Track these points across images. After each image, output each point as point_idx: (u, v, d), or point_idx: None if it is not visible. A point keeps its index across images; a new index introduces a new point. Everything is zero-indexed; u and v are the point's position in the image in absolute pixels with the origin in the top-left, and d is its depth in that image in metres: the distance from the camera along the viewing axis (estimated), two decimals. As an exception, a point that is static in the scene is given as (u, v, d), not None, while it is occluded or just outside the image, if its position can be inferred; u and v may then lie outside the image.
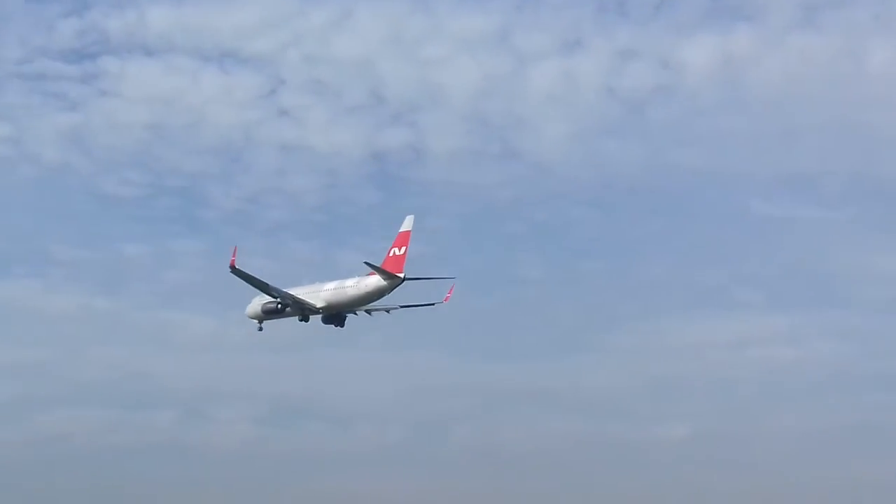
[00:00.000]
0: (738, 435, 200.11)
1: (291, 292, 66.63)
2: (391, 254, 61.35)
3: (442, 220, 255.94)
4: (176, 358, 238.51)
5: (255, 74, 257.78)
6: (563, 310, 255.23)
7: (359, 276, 61.12)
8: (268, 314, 68.66)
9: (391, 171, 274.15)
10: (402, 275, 57.77)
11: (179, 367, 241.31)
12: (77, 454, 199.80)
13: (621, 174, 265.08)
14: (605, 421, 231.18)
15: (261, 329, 71.72)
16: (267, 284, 66.56)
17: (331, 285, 65.98)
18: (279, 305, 67.33)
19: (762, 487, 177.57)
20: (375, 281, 60.06)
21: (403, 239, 60.02)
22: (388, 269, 59.27)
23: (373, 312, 66.36)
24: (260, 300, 68.15)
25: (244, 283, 63.85)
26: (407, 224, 62.24)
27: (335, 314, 66.73)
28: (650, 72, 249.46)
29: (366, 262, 59.38)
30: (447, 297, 64.95)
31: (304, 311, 66.87)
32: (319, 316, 67.19)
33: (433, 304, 71.02)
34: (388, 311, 67.36)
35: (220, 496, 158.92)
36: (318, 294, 66.96)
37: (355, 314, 66.54)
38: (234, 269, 65.69)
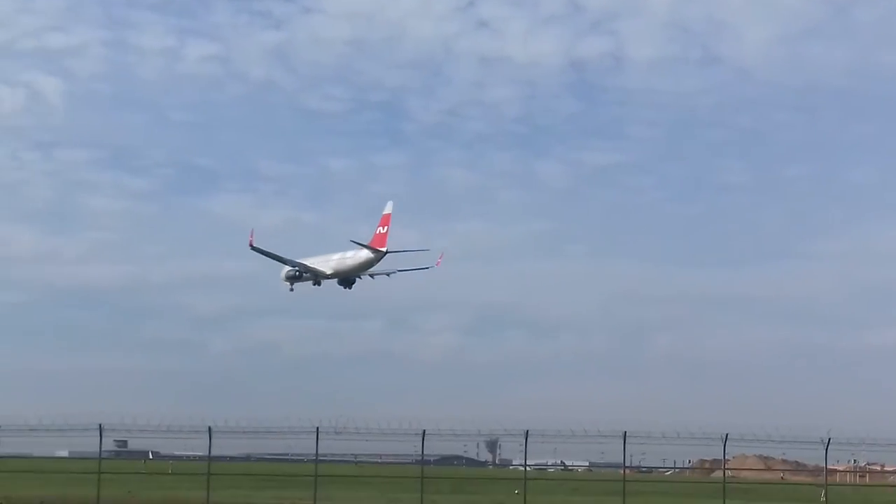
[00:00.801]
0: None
1: (304, 262, 77.59)
2: (377, 232, 73.29)
3: (642, 129, 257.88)
4: None
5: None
6: (767, 216, 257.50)
7: (354, 250, 73.71)
8: (290, 279, 78.91)
9: (590, 80, 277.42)
10: (384, 249, 71.11)
11: (384, 278, 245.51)
12: (287, 361, 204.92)
13: (826, 77, 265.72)
14: (810, 328, 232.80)
15: (292, 290, 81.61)
16: (282, 258, 77.25)
17: (335, 256, 76.68)
18: (297, 272, 77.61)
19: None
20: (366, 254, 72.46)
21: (386, 220, 72.76)
22: (375, 245, 71.92)
23: (375, 276, 76.89)
24: (289, 268, 79.94)
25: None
26: (388, 208, 73.74)
27: (344, 279, 77.38)
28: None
29: (352, 241, 73.84)
30: (438, 262, 73.34)
31: (316, 276, 77.87)
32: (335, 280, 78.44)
33: (427, 268, 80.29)
34: (388, 275, 77.61)
35: (424, 404, 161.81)
36: (327, 263, 77.39)
37: (360, 278, 76.92)
38: (253, 247, 75.43)
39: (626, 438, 39.74)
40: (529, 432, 39.64)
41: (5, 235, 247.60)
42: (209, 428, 39.65)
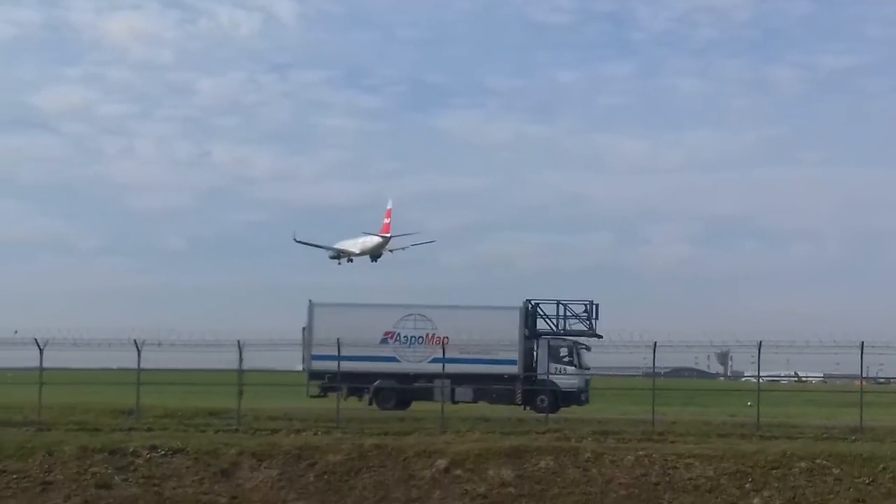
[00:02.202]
0: None
1: (338, 246, 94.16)
2: (384, 222, 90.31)
3: (881, 29, 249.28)
4: (610, 181, 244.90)
5: None
6: None
7: (369, 237, 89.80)
8: (332, 258, 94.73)
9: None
10: (389, 235, 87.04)
11: (613, 190, 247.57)
12: (518, 276, 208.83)
13: None
14: None
15: (339, 263, 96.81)
16: (322, 245, 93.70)
17: (360, 240, 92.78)
18: (335, 254, 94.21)
19: None
20: (377, 239, 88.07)
21: (389, 213, 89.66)
22: (383, 232, 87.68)
23: (394, 251, 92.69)
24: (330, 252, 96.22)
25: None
26: (389, 204, 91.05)
27: (371, 256, 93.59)
28: None
29: (364, 231, 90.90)
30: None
31: (348, 256, 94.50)
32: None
33: (433, 241, 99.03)
34: (403, 249, 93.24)
35: (654, 316, 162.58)
36: (354, 245, 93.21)
37: (381, 255, 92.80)
38: (296, 240, 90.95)
39: (864, 348, 38.83)
40: (762, 343, 39.16)
41: (245, 157, 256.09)
42: (443, 339, 40.64)
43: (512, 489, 31.84)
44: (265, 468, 32.95)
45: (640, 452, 33.43)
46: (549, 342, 47.82)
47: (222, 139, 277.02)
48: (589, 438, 35.91)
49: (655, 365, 42.27)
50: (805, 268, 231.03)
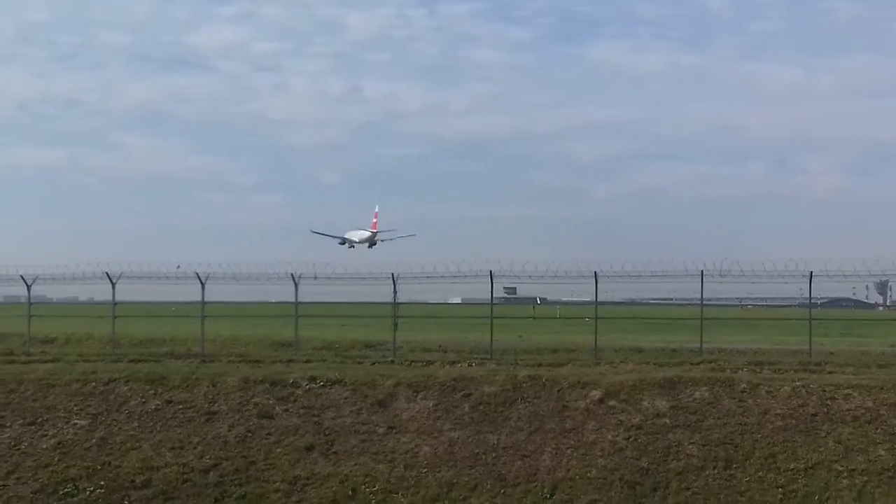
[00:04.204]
0: None
1: (345, 236, 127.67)
2: (373, 221, 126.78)
3: None
4: (763, 110, 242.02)
5: None
6: None
7: (364, 230, 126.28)
8: (341, 244, 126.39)
9: None
10: (376, 231, 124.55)
11: (767, 119, 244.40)
12: (671, 206, 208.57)
13: None
14: None
15: (347, 247, 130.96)
16: (333, 235, 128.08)
17: (359, 233, 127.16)
18: (343, 241, 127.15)
19: None
20: (369, 232, 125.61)
21: (376, 215, 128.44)
22: (373, 228, 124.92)
23: (384, 241, 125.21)
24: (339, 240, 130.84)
25: None
26: (376, 209, 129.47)
27: (368, 244, 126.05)
28: None
29: (357, 227, 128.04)
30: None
31: (350, 243, 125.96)
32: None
33: (413, 235, 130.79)
34: (392, 239, 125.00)
35: (811, 245, 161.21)
36: (355, 235, 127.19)
37: (375, 243, 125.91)
38: (312, 231, 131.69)
39: None
40: (922, 272, 38.25)
41: (396, 92, 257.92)
42: (595, 273, 40.43)
43: (666, 420, 31.83)
44: (421, 399, 33.49)
45: (797, 383, 33.11)
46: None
47: (373, 74, 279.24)
48: (744, 369, 35.66)
49: (812, 295, 41.61)
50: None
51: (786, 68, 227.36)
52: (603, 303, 44.87)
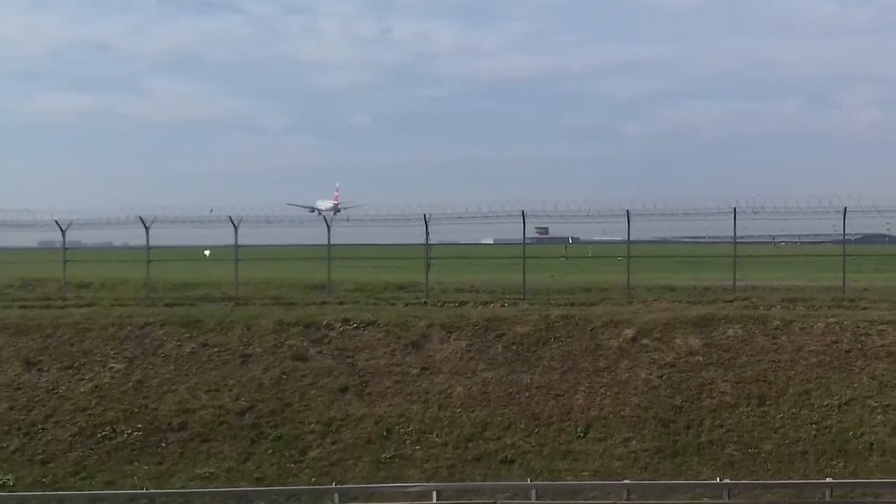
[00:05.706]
0: None
1: (313, 205, 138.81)
2: (335, 194, 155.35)
3: None
4: (799, 45, 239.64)
5: None
6: None
7: (327, 201, 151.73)
8: (310, 211, 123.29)
9: None
10: (338, 203, 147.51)
11: (803, 55, 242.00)
12: (704, 144, 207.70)
13: None
14: None
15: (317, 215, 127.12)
16: (305, 205, 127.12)
17: (324, 202, 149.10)
18: (312, 209, 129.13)
19: None
20: (332, 203, 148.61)
21: (337, 190, 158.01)
22: (334, 200, 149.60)
23: (346, 208, 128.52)
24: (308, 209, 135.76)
25: None
26: (337, 184, 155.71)
27: (333, 212, 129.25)
28: None
29: (319, 200, 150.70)
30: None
31: (318, 211, 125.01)
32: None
33: (365, 204, 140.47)
34: (353, 207, 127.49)
35: (845, 181, 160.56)
36: (323, 204, 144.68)
37: (339, 211, 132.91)
38: (288, 204, 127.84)
39: None
40: (960, 206, 37.92)
41: (426, 32, 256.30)
42: (627, 211, 40.24)
43: (700, 357, 31.85)
44: (454, 339, 33.62)
45: (831, 319, 33.03)
46: None
47: (403, 15, 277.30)
48: (777, 306, 35.58)
49: (846, 231, 41.31)
50: None
51: (821, 2, 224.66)
52: (635, 241, 44.74)
